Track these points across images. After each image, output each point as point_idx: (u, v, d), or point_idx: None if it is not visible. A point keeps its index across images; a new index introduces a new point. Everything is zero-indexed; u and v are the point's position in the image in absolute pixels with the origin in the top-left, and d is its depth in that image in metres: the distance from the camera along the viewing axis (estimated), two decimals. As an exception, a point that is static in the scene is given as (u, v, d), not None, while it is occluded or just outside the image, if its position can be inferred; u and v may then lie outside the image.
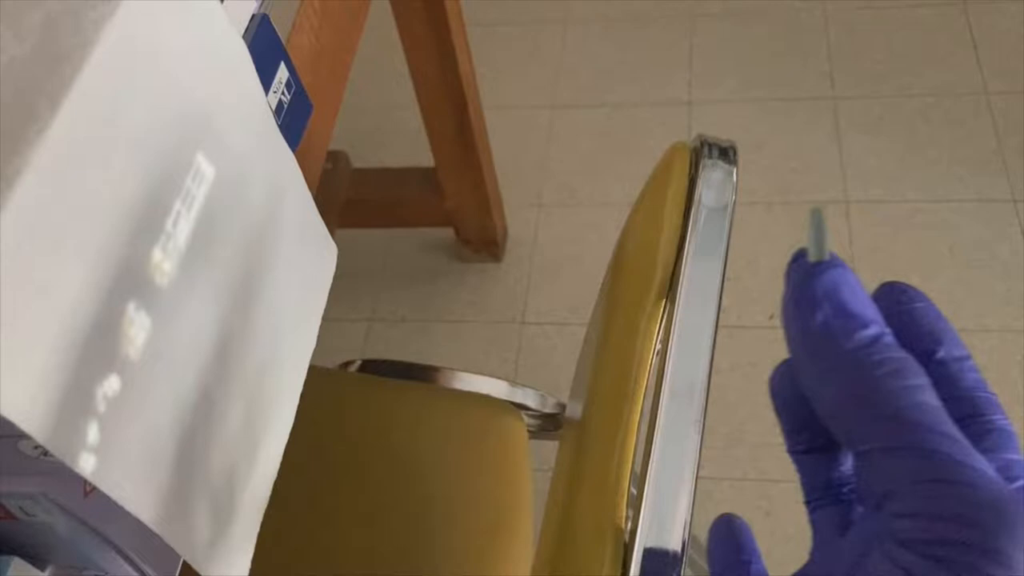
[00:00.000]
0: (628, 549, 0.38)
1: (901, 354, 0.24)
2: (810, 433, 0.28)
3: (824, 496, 0.28)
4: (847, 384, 0.24)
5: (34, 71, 0.26)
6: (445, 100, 1.21)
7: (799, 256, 0.27)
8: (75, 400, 0.27)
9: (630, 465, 0.42)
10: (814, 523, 0.29)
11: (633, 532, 0.37)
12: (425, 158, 1.34)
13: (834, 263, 0.26)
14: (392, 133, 1.64)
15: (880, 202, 1.44)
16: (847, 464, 0.28)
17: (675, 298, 0.41)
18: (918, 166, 1.47)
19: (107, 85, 0.28)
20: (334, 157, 1.37)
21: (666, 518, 0.37)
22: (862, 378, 0.24)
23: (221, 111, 0.36)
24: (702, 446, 0.38)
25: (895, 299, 0.27)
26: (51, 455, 0.26)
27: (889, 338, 0.25)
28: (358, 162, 1.41)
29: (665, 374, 0.39)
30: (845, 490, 0.28)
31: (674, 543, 0.37)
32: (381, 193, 1.43)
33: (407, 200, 1.42)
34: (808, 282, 0.25)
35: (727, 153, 0.44)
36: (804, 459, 0.29)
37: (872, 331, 0.25)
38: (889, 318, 0.26)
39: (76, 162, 0.27)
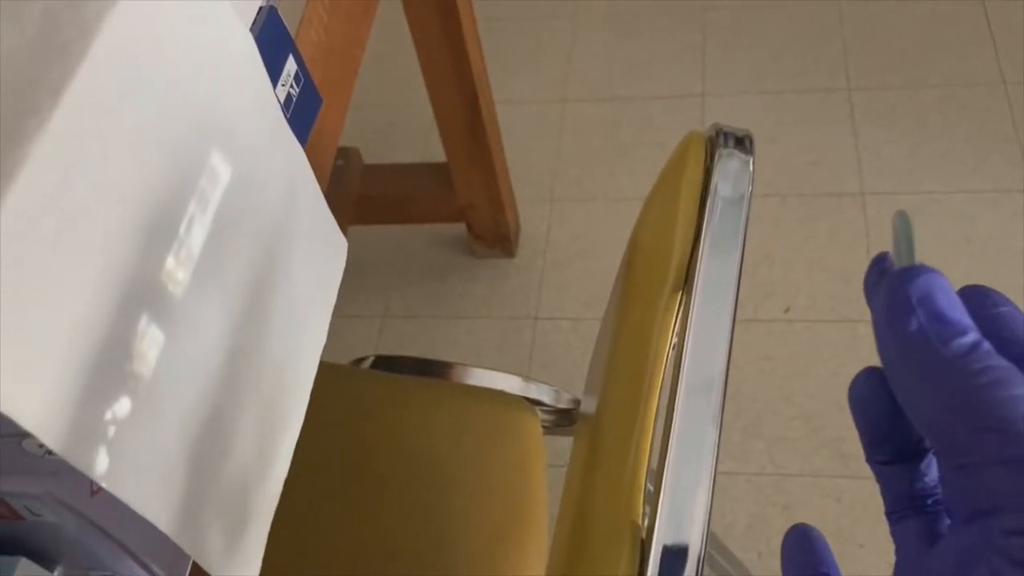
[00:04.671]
0: (645, 547, 0.37)
1: (1003, 362, 0.23)
2: (893, 443, 0.27)
3: (908, 508, 0.27)
4: (948, 394, 0.23)
5: (35, 62, 0.26)
6: (456, 96, 1.20)
7: (881, 260, 0.26)
8: (89, 409, 0.27)
9: (646, 461, 0.41)
10: (895, 535, 0.28)
11: (651, 530, 0.37)
12: (437, 154, 1.33)
13: (925, 268, 0.25)
14: (404, 129, 1.63)
15: (896, 193, 1.42)
16: (931, 475, 0.27)
17: (691, 291, 0.40)
18: (934, 157, 1.45)
19: (109, 77, 0.27)
20: (346, 154, 1.37)
21: (684, 515, 0.36)
22: (963, 388, 0.23)
23: (229, 106, 0.35)
24: (720, 441, 0.37)
25: (978, 303, 0.26)
26: (55, 454, 0.26)
27: (988, 345, 0.23)
28: (370, 158, 1.41)
29: (682, 368, 0.39)
30: (930, 502, 0.27)
31: (693, 540, 0.36)
32: (393, 189, 1.42)
33: (419, 196, 1.41)
34: (901, 287, 0.24)
35: (743, 142, 0.43)
36: (886, 470, 0.28)
37: (970, 338, 0.23)
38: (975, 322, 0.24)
39: (79, 155, 0.26)
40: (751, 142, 0.43)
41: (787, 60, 1.62)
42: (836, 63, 1.59)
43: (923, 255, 0.31)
